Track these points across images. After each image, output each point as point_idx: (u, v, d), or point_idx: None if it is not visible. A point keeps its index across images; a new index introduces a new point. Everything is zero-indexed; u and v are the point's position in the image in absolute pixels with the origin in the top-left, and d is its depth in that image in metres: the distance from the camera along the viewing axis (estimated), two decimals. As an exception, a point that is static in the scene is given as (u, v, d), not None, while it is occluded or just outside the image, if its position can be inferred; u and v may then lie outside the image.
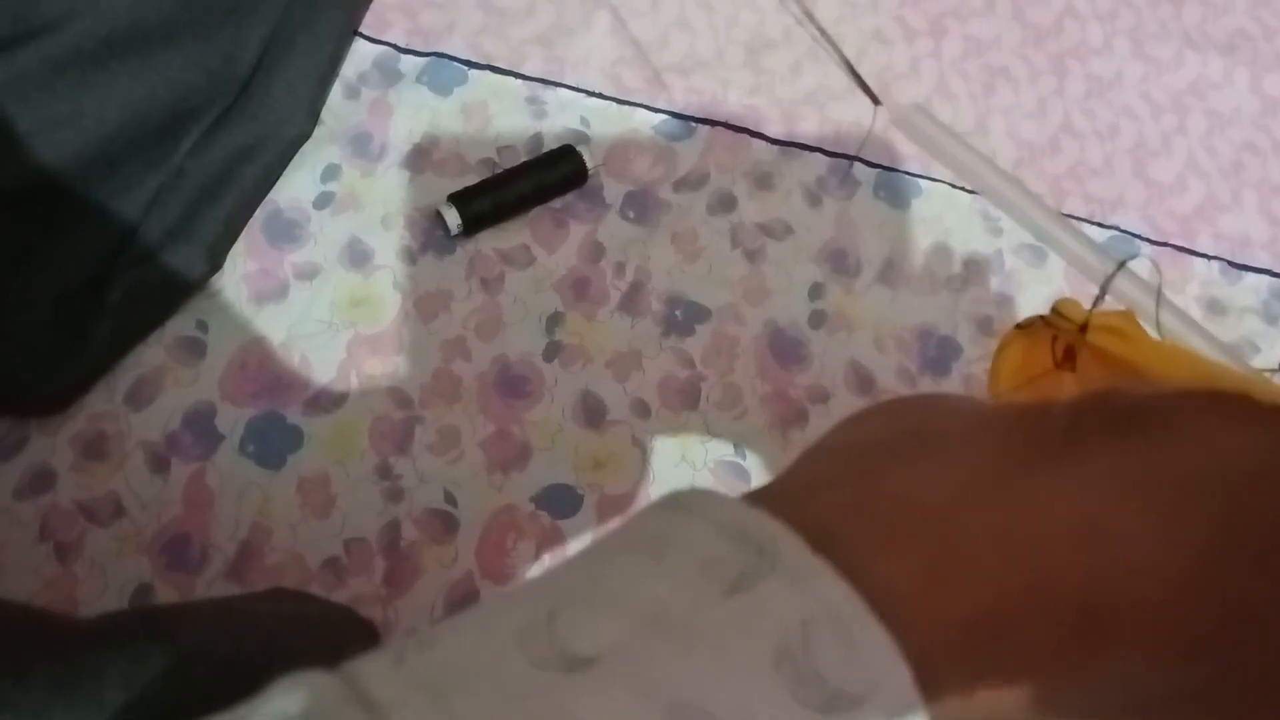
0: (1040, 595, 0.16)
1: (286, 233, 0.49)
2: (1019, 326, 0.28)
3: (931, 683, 0.15)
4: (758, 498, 0.18)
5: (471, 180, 0.51)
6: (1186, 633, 0.16)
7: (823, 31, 0.39)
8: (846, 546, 0.16)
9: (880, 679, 0.15)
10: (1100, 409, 0.18)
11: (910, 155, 0.57)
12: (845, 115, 0.57)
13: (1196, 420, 0.17)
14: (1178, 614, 0.16)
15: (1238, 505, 0.16)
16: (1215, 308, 0.57)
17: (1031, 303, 0.55)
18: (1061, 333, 0.27)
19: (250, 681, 0.16)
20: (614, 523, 0.46)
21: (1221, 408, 0.18)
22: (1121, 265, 0.26)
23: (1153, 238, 0.58)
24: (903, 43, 0.61)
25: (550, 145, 0.53)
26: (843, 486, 0.18)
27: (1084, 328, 0.26)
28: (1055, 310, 0.27)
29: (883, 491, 0.17)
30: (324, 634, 0.36)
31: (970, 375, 0.52)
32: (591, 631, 0.15)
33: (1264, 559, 0.16)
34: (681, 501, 0.18)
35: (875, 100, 0.30)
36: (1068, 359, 0.27)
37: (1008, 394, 0.29)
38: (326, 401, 0.46)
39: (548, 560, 0.45)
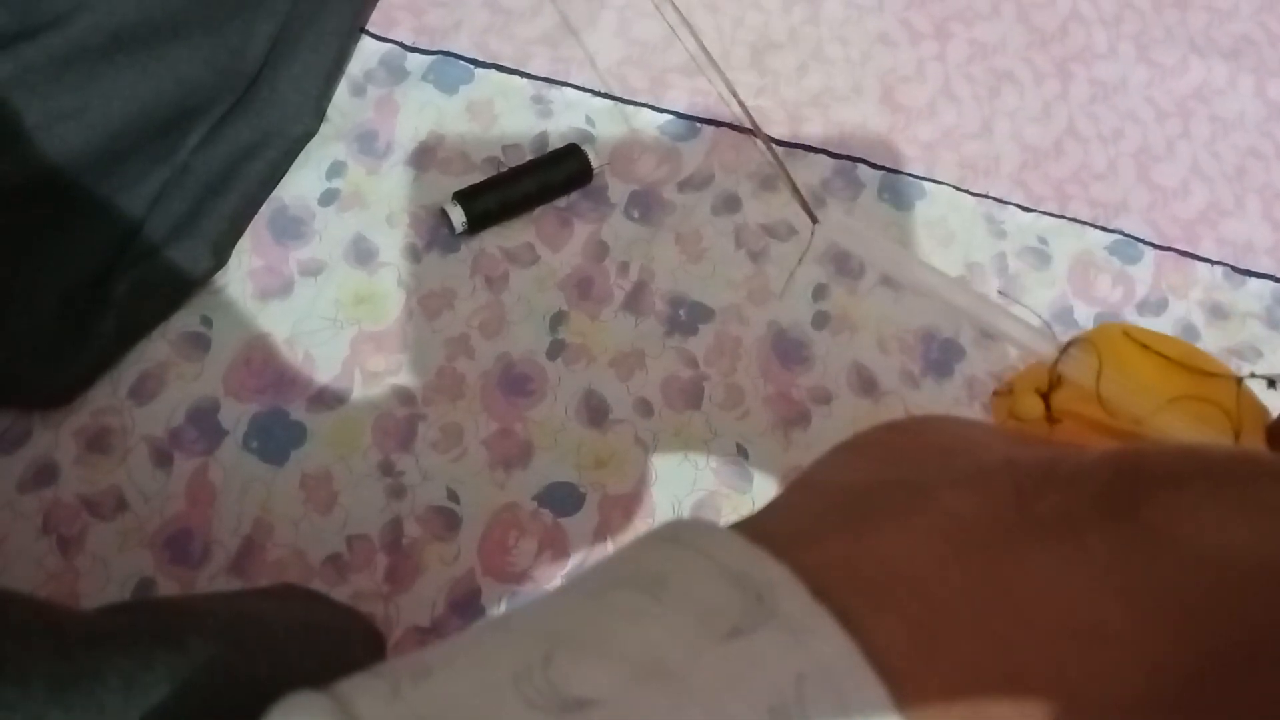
0: (1012, 684, 0.16)
1: (291, 229, 0.49)
2: (997, 394, 0.29)
3: None
4: (755, 533, 0.18)
5: (476, 179, 0.51)
6: None
7: (764, 138, 0.39)
8: (838, 604, 0.16)
9: None
10: (1100, 488, 0.17)
11: (914, 157, 0.57)
12: (850, 117, 0.57)
13: (1199, 513, 0.16)
14: None
15: (1228, 617, 0.16)
16: (1218, 313, 0.57)
17: (1034, 306, 0.55)
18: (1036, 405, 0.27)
19: (252, 694, 0.16)
20: (616, 521, 0.46)
21: (1228, 496, 0.17)
22: (1066, 348, 0.26)
23: (1156, 242, 0.58)
24: (908, 45, 0.61)
25: (555, 144, 0.53)
26: (833, 540, 0.18)
27: (1049, 414, 0.26)
28: (1015, 416, 0.27)
29: (873, 550, 0.17)
30: (329, 641, 0.36)
31: (973, 378, 0.52)
32: (587, 677, 0.15)
33: (1246, 680, 0.15)
34: (682, 535, 0.18)
35: (814, 219, 0.30)
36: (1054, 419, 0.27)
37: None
38: (330, 398, 0.46)
39: (549, 558, 0.45)
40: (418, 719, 0.15)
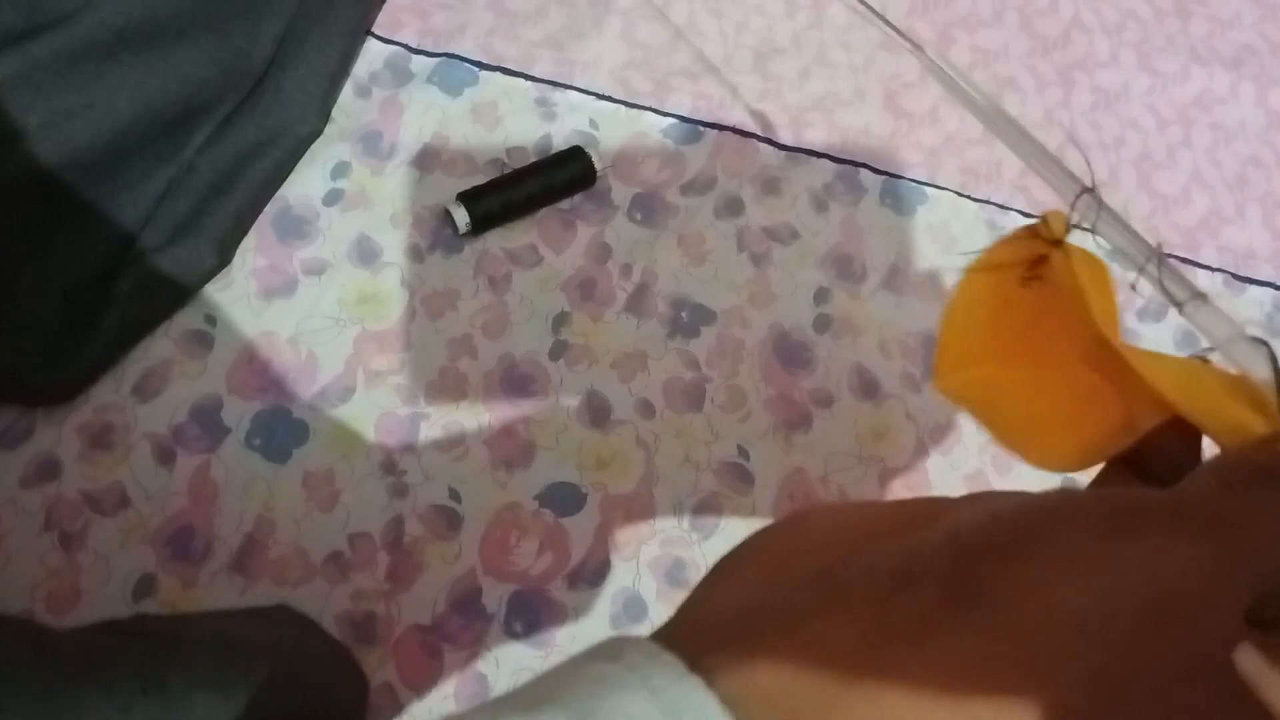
0: None
1: (296, 229, 0.49)
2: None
3: None
4: (683, 641, 0.18)
5: (480, 180, 0.51)
6: None
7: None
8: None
9: None
10: (942, 581, 0.18)
11: (917, 162, 0.57)
12: (853, 122, 0.58)
13: (1035, 582, 0.18)
14: None
15: (1088, 669, 0.17)
16: (1218, 319, 0.57)
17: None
18: (1040, 240, 0.26)
19: None
20: (617, 522, 0.46)
21: (1055, 557, 0.18)
22: (1084, 192, 0.26)
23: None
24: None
25: (559, 147, 0.53)
26: (752, 648, 0.19)
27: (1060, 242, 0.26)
28: (1043, 219, 0.27)
29: (756, 680, 0.18)
30: (316, 672, 0.36)
31: (974, 382, 0.52)
32: None
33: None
34: (623, 656, 0.18)
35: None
36: (1037, 266, 0.27)
37: (955, 340, 0.28)
38: (333, 397, 0.46)
39: (550, 558, 0.45)
40: None
